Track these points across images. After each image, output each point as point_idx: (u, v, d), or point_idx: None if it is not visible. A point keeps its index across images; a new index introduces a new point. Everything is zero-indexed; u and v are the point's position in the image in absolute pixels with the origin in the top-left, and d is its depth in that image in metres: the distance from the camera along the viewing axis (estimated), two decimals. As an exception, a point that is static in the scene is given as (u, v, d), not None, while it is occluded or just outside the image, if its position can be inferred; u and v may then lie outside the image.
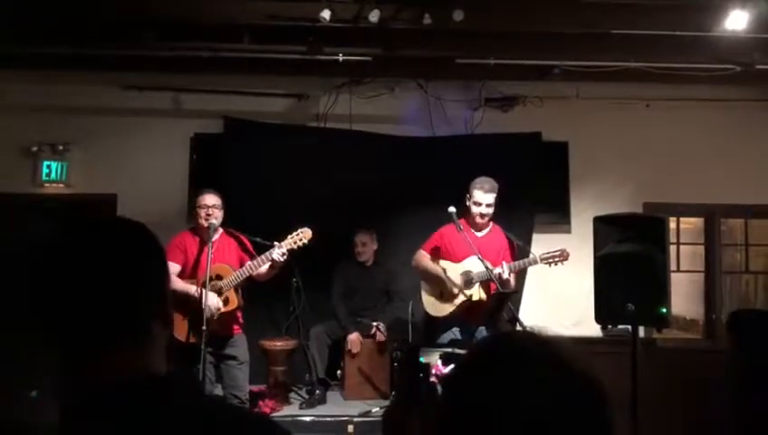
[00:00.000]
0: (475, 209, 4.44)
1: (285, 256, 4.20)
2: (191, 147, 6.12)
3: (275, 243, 4.22)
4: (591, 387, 0.87)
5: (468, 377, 0.91)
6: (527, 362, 0.87)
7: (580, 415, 0.84)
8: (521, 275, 5.59)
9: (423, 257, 4.67)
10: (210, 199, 4.35)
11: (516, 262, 4.44)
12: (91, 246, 1.04)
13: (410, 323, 5.27)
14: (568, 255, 4.39)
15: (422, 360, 2.98)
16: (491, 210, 4.46)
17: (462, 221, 4.50)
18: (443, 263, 4.59)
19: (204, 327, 3.91)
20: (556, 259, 4.40)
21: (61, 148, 6.00)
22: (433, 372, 2.99)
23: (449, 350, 3.06)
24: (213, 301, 4.15)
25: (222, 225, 4.40)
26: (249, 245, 4.46)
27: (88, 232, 1.08)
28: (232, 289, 4.26)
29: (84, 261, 1.02)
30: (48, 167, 6.01)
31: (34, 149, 5.99)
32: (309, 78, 6.01)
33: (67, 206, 5.90)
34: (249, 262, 4.30)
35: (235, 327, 4.40)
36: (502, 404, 0.84)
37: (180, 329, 4.15)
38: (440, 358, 3.16)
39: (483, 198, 4.42)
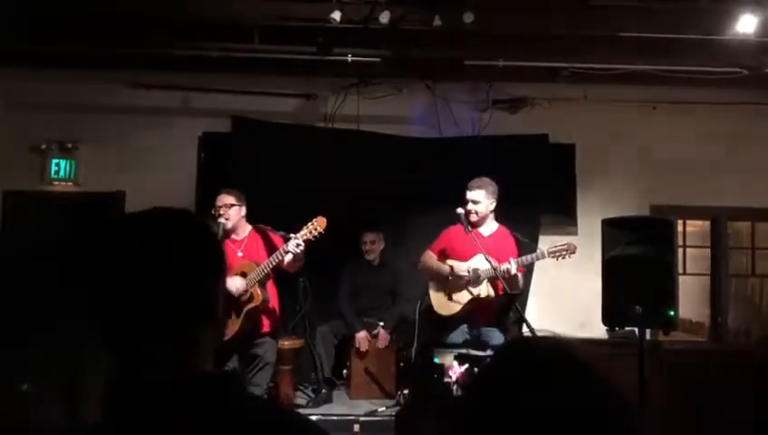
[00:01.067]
0: (462, 208, 4.48)
1: (302, 247, 4.16)
2: (199, 146, 6.14)
3: (291, 235, 4.20)
4: (614, 395, 0.88)
5: (494, 384, 0.92)
6: (552, 370, 0.88)
7: (606, 422, 0.85)
8: (527, 275, 5.60)
9: (430, 257, 4.71)
10: (221, 199, 4.38)
11: (523, 257, 4.45)
12: (151, 242, 1.02)
13: (416, 324, 5.27)
14: (575, 248, 4.38)
15: (436, 360, 2.98)
16: (478, 207, 4.47)
17: (459, 225, 4.56)
18: (449, 262, 4.62)
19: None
20: (563, 253, 4.40)
21: (69, 146, 6.03)
22: (450, 373, 3.01)
23: (464, 350, 3.06)
24: (237, 282, 4.18)
25: (249, 222, 4.43)
26: (276, 240, 4.42)
27: (146, 228, 1.05)
28: (256, 285, 4.26)
29: (144, 259, 1.00)
30: (57, 165, 6.04)
31: (43, 147, 6.02)
32: (317, 78, 6.03)
33: (76, 203, 5.93)
34: (267, 259, 4.30)
35: (265, 326, 4.39)
36: (528, 411, 0.85)
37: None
38: (455, 359, 3.16)
39: (468, 195, 4.48)
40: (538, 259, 4.51)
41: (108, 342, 1.00)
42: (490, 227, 4.59)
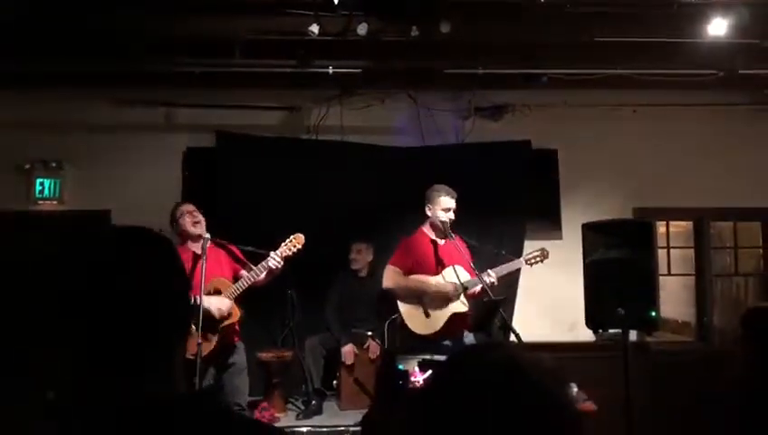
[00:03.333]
0: (443, 216, 4.48)
1: (282, 264, 4.28)
2: (184, 161, 6.15)
3: (270, 252, 4.28)
4: (554, 405, 0.90)
5: (434, 394, 0.94)
6: (492, 382, 0.89)
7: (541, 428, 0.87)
8: (513, 282, 5.64)
9: (396, 275, 4.60)
10: (190, 207, 4.43)
11: (500, 266, 4.51)
12: (123, 259, 1.03)
13: (385, 343, 5.29)
14: (548, 254, 4.49)
15: (400, 367, 3.02)
16: (453, 214, 4.53)
17: (421, 230, 4.57)
18: (419, 277, 4.56)
19: (198, 341, 3.91)
20: (537, 259, 4.51)
21: (54, 165, 6.03)
22: (412, 379, 3.05)
23: (427, 356, 3.10)
24: (225, 304, 4.23)
25: (218, 236, 4.47)
26: (239, 253, 4.51)
27: (118, 246, 1.06)
28: (233, 301, 4.30)
29: (119, 276, 1.01)
30: (41, 184, 6.04)
31: (27, 166, 6.03)
32: (300, 91, 6.07)
33: (62, 222, 5.92)
34: (246, 272, 4.36)
35: (236, 337, 4.46)
36: (464, 421, 0.87)
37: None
38: (418, 365, 3.20)
39: (451, 203, 4.51)
40: (514, 268, 4.59)
41: (82, 365, 1.00)
42: (449, 235, 4.59)
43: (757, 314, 2.40)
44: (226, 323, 4.29)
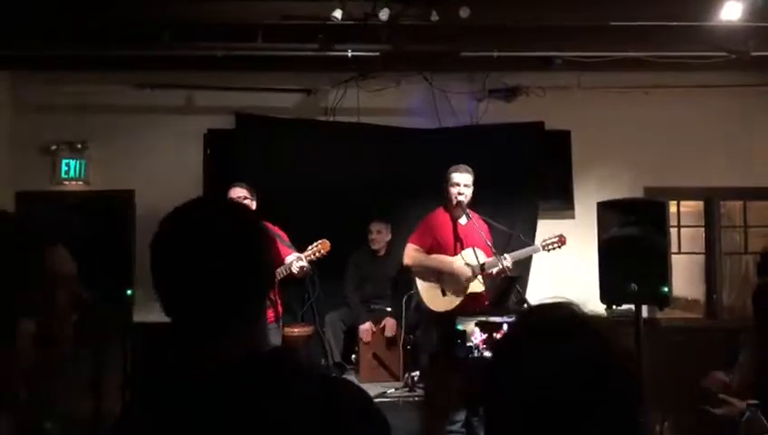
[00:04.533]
0: (452, 190, 4.60)
1: (307, 268, 4.39)
2: (205, 143, 6.30)
3: (296, 254, 4.40)
4: (617, 354, 0.99)
5: (510, 341, 1.06)
6: (562, 329, 0.99)
7: (607, 377, 0.95)
8: (527, 259, 5.78)
9: (416, 253, 4.75)
10: (234, 192, 4.53)
11: (518, 251, 4.65)
12: (216, 225, 1.13)
13: (403, 318, 5.41)
14: (565, 240, 4.61)
15: (459, 327, 3.20)
16: (468, 191, 4.62)
17: (441, 209, 4.70)
18: (438, 256, 4.71)
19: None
20: (555, 245, 4.63)
21: (79, 146, 6.19)
22: (472, 338, 3.22)
23: (483, 318, 3.28)
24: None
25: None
26: (282, 250, 4.49)
27: (211, 214, 1.16)
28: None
29: (213, 242, 1.10)
30: (67, 165, 6.20)
31: (53, 147, 6.18)
32: (317, 74, 6.18)
33: (87, 202, 6.08)
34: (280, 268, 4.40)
35: (270, 319, 4.55)
36: (535, 364, 0.96)
37: None
38: (476, 326, 3.38)
39: (460, 178, 4.61)
40: (532, 253, 4.72)
41: (184, 320, 1.11)
42: (466, 214, 4.73)
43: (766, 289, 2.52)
44: None
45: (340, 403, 1.10)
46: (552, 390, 0.94)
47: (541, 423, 0.95)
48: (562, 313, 1.03)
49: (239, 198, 4.51)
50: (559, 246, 4.65)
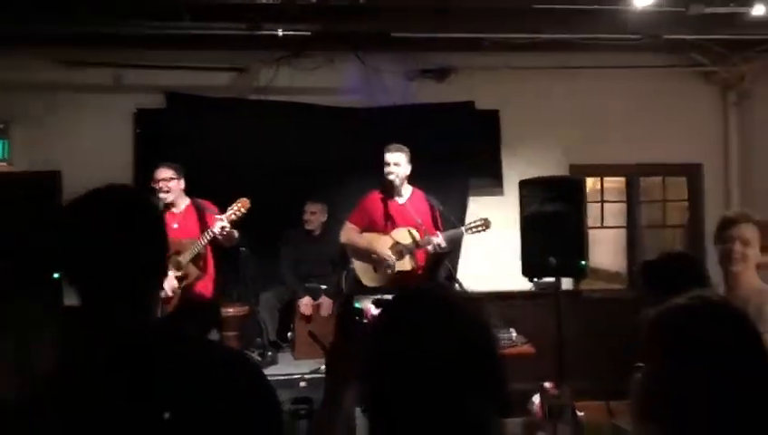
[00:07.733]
0: (385, 170, 4.74)
1: (227, 228, 4.41)
2: (134, 122, 6.20)
3: (217, 216, 4.44)
4: (478, 334, 1.12)
5: (383, 326, 1.19)
6: (428, 316, 1.12)
7: (469, 357, 1.08)
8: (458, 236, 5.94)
9: (351, 232, 4.93)
10: (160, 173, 4.53)
11: (447, 232, 4.78)
12: (118, 208, 1.26)
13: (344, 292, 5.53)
14: (490, 223, 4.75)
15: (357, 305, 3.31)
16: (399, 170, 4.76)
17: (377, 190, 4.84)
18: (370, 236, 4.86)
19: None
20: (479, 228, 4.77)
21: (1, 126, 5.99)
22: (368, 316, 3.34)
23: (379, 296, 3.40)
24: (170, 282, 4.40)
25: (188, 195, 4.59)
26: (209, 218, 4.57)
27: (111, 197, 1.28)
28: (190, 262, 4.48)
29: (115, 222, 1.23)
30: (-11, 145, 6.01)
31: (-26, 128, 5.98)
32: (249, 52, 6.13)
33: (12, 184, 5.91)
34: (196, 239, 4.50)
35: (207, 293, 4.68)
36: (407, 347, 1.09)
37: None
38: (372, 303, 3.50)
39: (390, 157, 4.76)
40: (457, 237, 4.88)
41: (83, 299, 1.22)
42: (406, 192, 4.86)
43: (646, 266, 2.77)
44: (185, 283, 4.50)
45: (228, 370, 1.22)
46: (417, 363, 1.05)
47: (411, 396, 1.05)
48: (425, 298, 1.15)
49: (165, 178, 4.51)
50: (483, 230, 4.76)
